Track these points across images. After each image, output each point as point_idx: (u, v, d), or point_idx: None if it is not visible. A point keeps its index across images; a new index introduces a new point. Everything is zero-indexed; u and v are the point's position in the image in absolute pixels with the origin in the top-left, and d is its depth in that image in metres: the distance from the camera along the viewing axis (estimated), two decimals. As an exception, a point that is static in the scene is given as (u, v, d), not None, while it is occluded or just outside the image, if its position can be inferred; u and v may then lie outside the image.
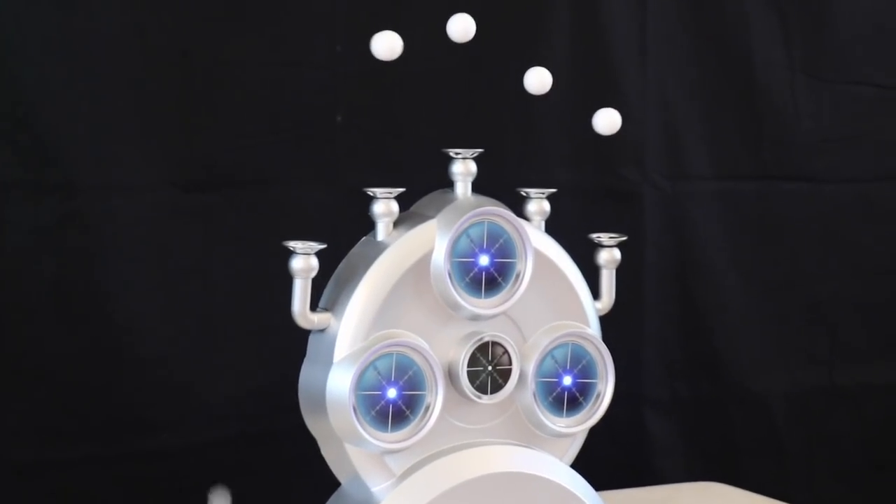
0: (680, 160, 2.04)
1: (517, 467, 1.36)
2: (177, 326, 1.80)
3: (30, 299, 1.74)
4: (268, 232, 1.74)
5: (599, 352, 1.41)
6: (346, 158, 1.85)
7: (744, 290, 2.08)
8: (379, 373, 1.32)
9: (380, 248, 1.35)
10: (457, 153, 1.39)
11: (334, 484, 1.39)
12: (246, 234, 1.81)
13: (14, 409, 1.74)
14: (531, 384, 1.38)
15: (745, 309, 2.08)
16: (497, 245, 1.37)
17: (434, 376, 1.33)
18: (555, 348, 1.40)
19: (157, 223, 1.78)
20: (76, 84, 1.74)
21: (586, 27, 1.97)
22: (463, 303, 1.35)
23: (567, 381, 1.40)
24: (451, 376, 1.36)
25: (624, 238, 1.47)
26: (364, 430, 1.31)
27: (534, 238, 1.38)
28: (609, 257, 1.47)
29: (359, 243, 1.38)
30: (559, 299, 1.41)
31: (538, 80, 1.42)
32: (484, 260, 1.36)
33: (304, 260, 1.32)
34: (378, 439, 1.32)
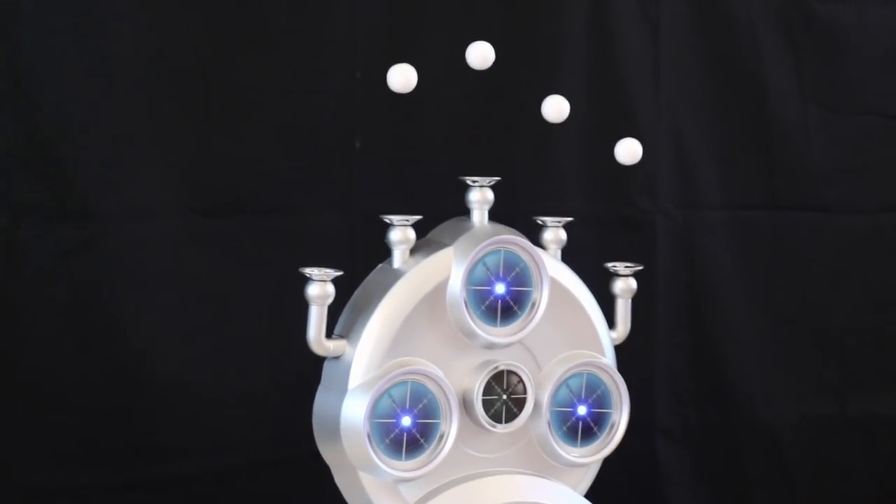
0: (692, 189, 2.04)
1: (531, 497, 1.36)
2: (192, 352, 1.80)
3: (46, 323, 1.74)
4: (284, 258, 1.74)
5: (615, 381, 1.41)
6: (363, 185, 1.86)
7: (754, 319, 2.08)
8: (394, 401, 1.32)
9: (396, 276, 1.35)
10: (474, 181, 1.39)
11: (348, 511, 1.39)
12: (262, 260, 1.82)
13: (28, 433, 1.74)
14: (546, 413, 1.38)
15: (755, 338, 2.08)
16: (513, 273, 1.37)
17: (449, 405, 1.33)
18: (570, 377, 1.40)
19: (174, 248, 1.79)
20: (94, 110, 1.74)
21: (601, 58, 1.98)
22: (479, 331, 1.35)
23: (582, 410, 1.40)
24: (465, 405, 1.36)
25: (640, 267, 1.47)
26: (378, 457, 1.31)
27: (550, 267, 1.38)
28: (625, 286, 1.47)
29: (375, 270, 1.39)
30: (575, 328, 1.41)
31: (556, 108, 1.42)
32: (500, 288, 1.37)
33: (319, 287, 1.33)
34: (392, 467, 1.32)
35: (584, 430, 1.40)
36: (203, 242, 1.80)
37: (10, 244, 1.73)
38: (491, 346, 1.37)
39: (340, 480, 1.37)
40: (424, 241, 1.39)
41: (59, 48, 1.72)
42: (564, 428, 1.40)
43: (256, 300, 1.82)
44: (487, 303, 1.36)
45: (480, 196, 1.39)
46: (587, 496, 1.42)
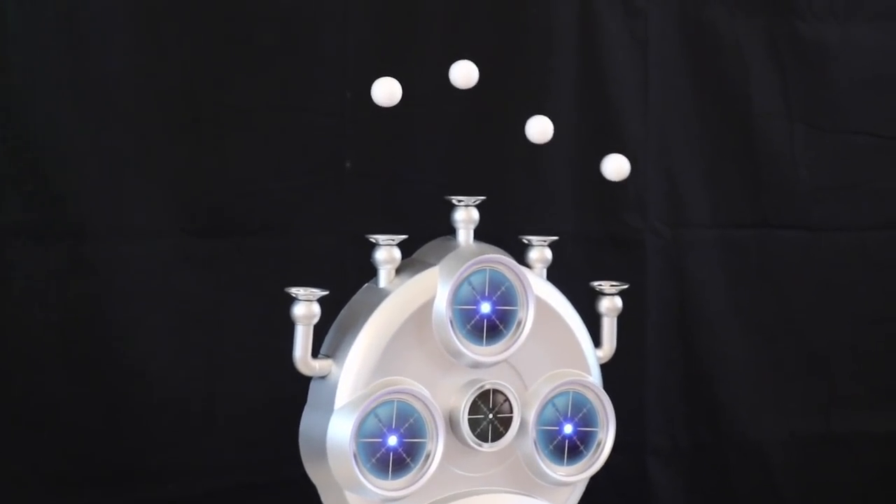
0: (681, 208, 2.05)
1: (517, 515, 1.37)
2: (183, 372, 1.80)
3: (37, 344, 1.74)
4: (276, 278, 1.74)
5: (600, 400, 1.42)
6: (354, 205, 1.86)
7: (742, 338, 2.09)
8: (380, 420, 1.33)
9: (381, 295, 1.36)
10: (459, 200, 1.40)
11: (335, 530, 1.39)
12: (253, 280, 1.82)
13: (19, 455, 1.74)
14: (532, 432, 1.39)
15: (743, 356, 2.08)
16: (499, 293, 1.38)
17: (435, 424, 1.34)
18: (556, 396, 1.40)
19: (165, 269, 1.79)
20: (85, 130, 1.75)
21: (590, 76, 1.99)
22: (464, 350, 1.36)
23: (568, 429, 1.41)
24: (451, 424, 1.37)
25: (625, 286, 1.48)
26: (364, 477, 1.32)
27: (535, 286, 1.39)
28: (610, 305, 1.48)
29: (361, 290, 1.39)
30: (560, 347, 1.41)
31: (540, 129, 1.42)
32: (485, 307, 1.37)
33: (305, 306, 1.33)
34: (378, 487, 1.33)
35: (570, 449, 1.41)
36: (195, 263, 1.80)
37: (0, 265, 1.73)
38: (477, 366, 1.37)
39: (327, 500, 1.38)
40: (410, 261, 1.40)
41: (48, 69, 1.73)
42: (551, 447, 1.40)
43: (249, 320, 1.82)
44: (473, 322, 1.37)
45: (466, 215, 1.40)
46: (577, 516, 1.43)
